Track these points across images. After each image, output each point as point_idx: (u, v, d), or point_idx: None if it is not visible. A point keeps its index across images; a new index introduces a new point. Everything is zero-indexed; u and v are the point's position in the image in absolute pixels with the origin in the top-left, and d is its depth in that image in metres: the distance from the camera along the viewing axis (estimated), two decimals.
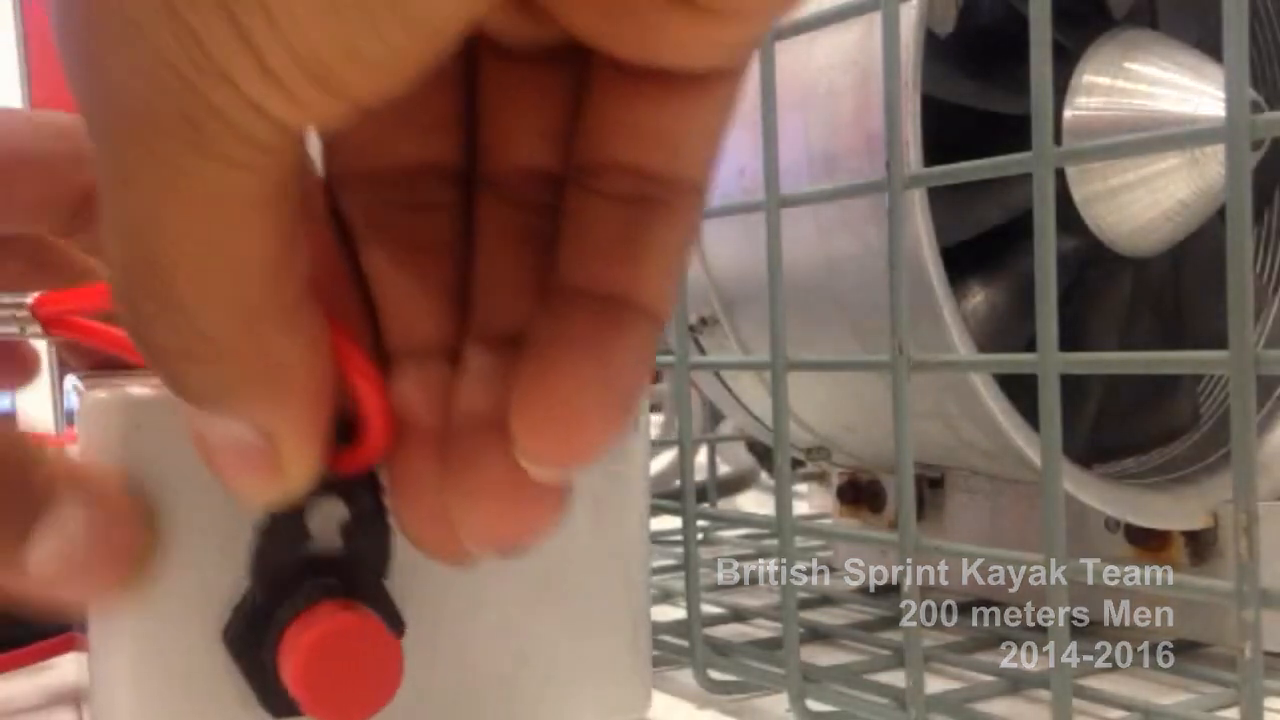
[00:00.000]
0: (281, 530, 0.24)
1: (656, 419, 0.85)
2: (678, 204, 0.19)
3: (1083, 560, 0.26)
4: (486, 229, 0.21)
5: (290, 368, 0.18)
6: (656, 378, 0.87)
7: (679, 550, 0.42)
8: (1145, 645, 0.38)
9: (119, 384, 0.24)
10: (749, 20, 0.17)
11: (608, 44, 0.18)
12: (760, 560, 0.53)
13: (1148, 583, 0.28)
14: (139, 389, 0.24)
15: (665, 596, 0.46)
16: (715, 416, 0.66)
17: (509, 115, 0.20)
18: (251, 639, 0.24)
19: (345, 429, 0.20)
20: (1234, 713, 0.25)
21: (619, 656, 0.29)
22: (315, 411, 0.19)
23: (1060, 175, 0.36)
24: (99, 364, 0.31)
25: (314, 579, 0.24)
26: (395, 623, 0.25)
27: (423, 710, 0.26)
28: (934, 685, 0.33)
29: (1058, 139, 0.36)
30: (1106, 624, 0.40)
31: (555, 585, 0.28)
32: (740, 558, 0.54)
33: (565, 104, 0.20)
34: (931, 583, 0.46)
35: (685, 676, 0.35)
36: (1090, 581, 0.27)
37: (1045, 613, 0.26)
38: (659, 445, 0.73)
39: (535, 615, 0.28)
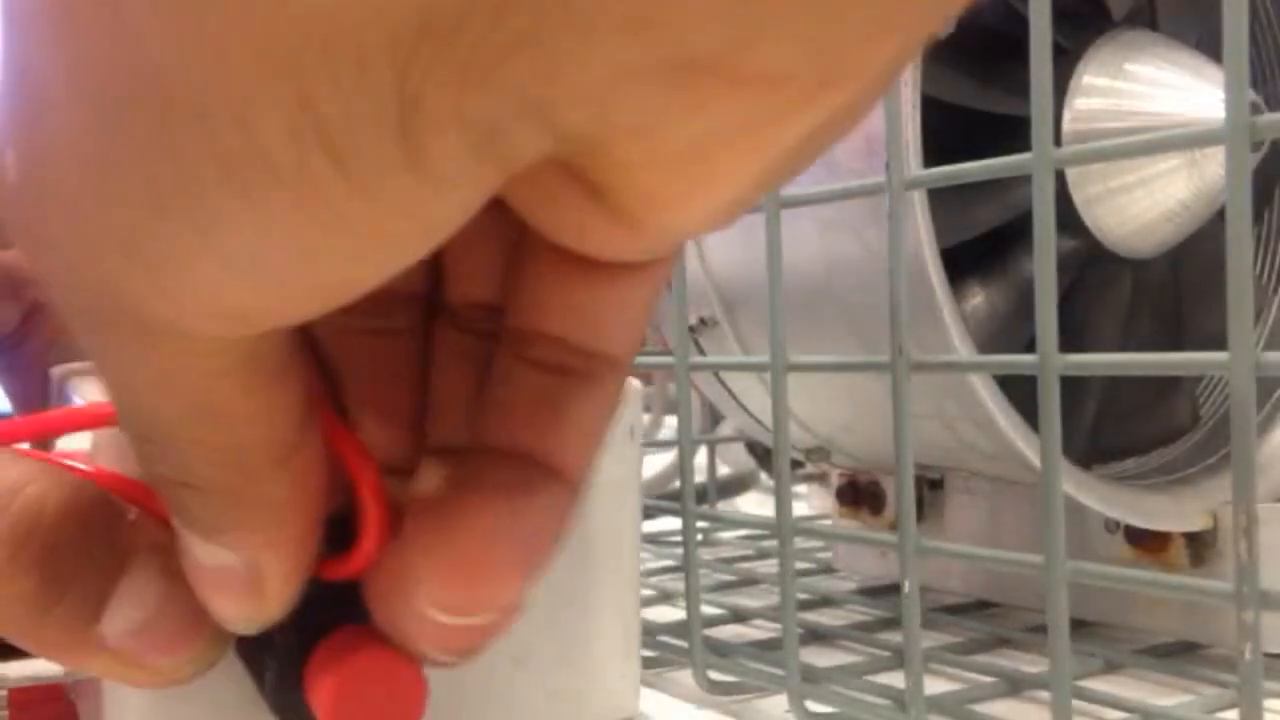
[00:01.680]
0: None
1: (646, 418, 0.85)
2: (598, 377, 0.19)
3: (1082, 562, 0.26)
4: (441, 350, 0.21)
5: (280, 506, 0.18)
6: (647, 379, 0.87)
7: (679, 551, 0.42)
8: (1144, 646, 0.38)
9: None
10: (668, 231, 0.17)
11: (534, 224, 0.18)
12: (760, 561, 0.53)
13: (1147, 584, 0.28)
14: None
15: (665, 597, 0.46)
16: (715, 417, 0.66)
17: (464, 253, 0.21)
18: (266, 650, 0.24)
19: (335, 533, 0.21)
20: (1233, 714, 0.25)
21: (609, 658, 0.29)
22: (301, 547, 0.19)
23: (1060, 176, 0.36)
24: None
25: (334, 601, 0.24)
26: None
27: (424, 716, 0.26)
28: (933, 686, 0.33)
29: (1057, 140, 0.36)
30: (1106, 625, 0.40)
31: (545, 587, 0.28)
32: (740, 559, 0.54)
33: (512, 250, 0.20)
34: (931, 584, 0.46)
35: (685, 677, 0.35)
36: (1090, 583, 0.27)
37: (1045, 613, 0.26)
38: (659, 446, 0.73)
39: (525, 617, 0.28)
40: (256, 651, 0.24)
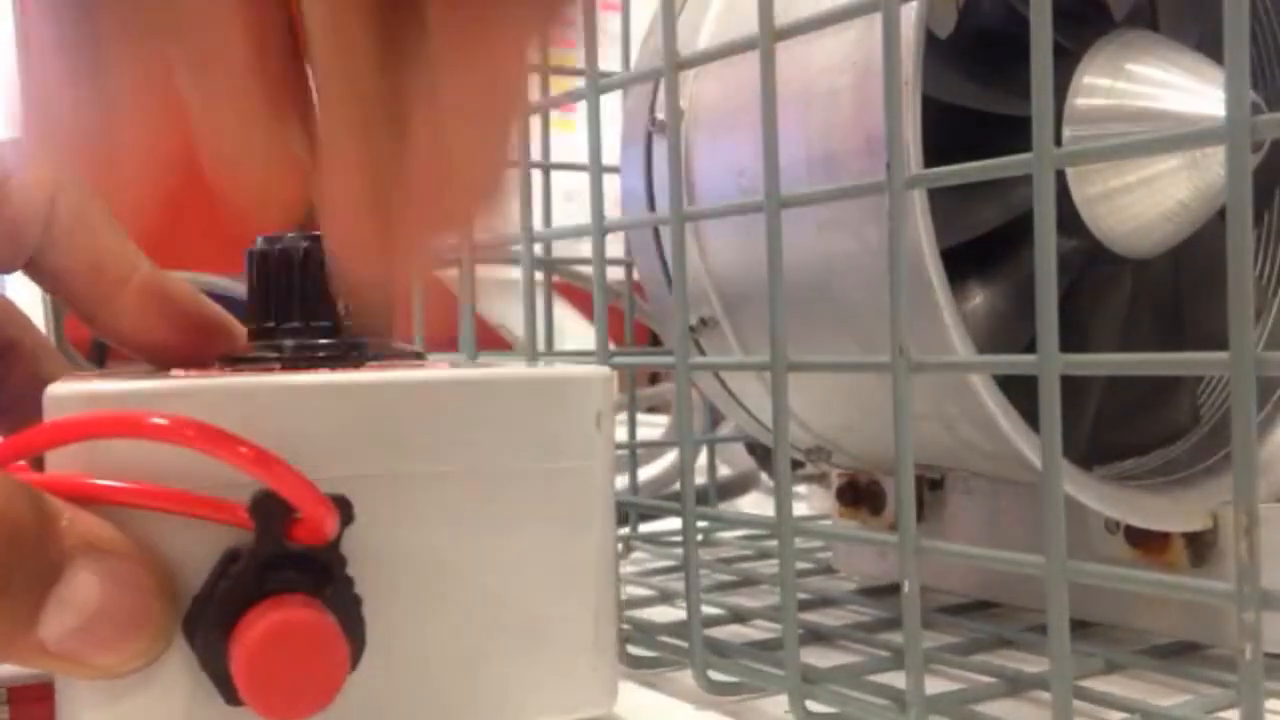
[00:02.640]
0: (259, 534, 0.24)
1: (661, 419, 0.85)
2: None
3: (1082, 562, 0.26)
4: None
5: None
6: (655, 379, 0.87)
7: (679, 551, 0.42)
8: (1145, 646, 0.38)
9: (83, 378, 0.24)
10: None
11: None
12: (760, 561, 0.53)
13: (1148, 584, 0.28)
14: (102, 383, 0.24)
15: (665, 597, 0.46)
16: (715, 418, 0.66)
17: None
18: (209, 629, 0.24)
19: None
20: (1234, 714, 0.25)
21: (580, 654, 0.29)
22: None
23: (1060, 176, 0.36)
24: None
25: (273, 573, 0.24)
26: (356, 626, 0.25)
27: (382, 707, 0.26)
28: (934, 686, 0.33)
29: (1058, 140, 0.36)
30: (1106, 625, 0.40)
31: (516, 581, 0.28)
32: (740, 559, 0.54)
33: None
34: (931, 584, 0.46)
35: (685, 677, 0.35)
36: (1090, 583, 0.27)
37: (1045, 613, 0.26)
38: (661, 447, 0.73)
39: (495, 611, 0.28)
40: (199, 629, 0.24)
